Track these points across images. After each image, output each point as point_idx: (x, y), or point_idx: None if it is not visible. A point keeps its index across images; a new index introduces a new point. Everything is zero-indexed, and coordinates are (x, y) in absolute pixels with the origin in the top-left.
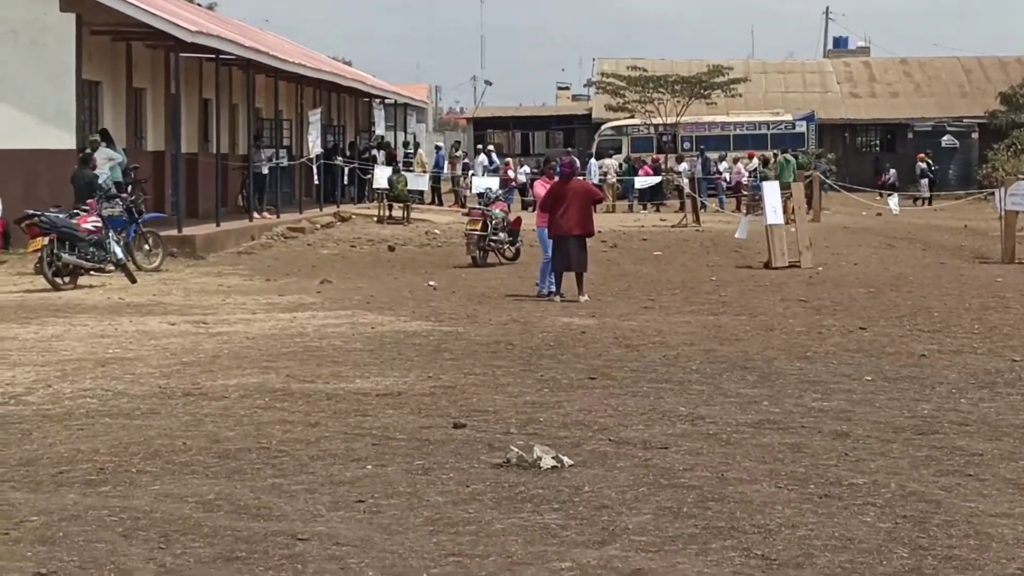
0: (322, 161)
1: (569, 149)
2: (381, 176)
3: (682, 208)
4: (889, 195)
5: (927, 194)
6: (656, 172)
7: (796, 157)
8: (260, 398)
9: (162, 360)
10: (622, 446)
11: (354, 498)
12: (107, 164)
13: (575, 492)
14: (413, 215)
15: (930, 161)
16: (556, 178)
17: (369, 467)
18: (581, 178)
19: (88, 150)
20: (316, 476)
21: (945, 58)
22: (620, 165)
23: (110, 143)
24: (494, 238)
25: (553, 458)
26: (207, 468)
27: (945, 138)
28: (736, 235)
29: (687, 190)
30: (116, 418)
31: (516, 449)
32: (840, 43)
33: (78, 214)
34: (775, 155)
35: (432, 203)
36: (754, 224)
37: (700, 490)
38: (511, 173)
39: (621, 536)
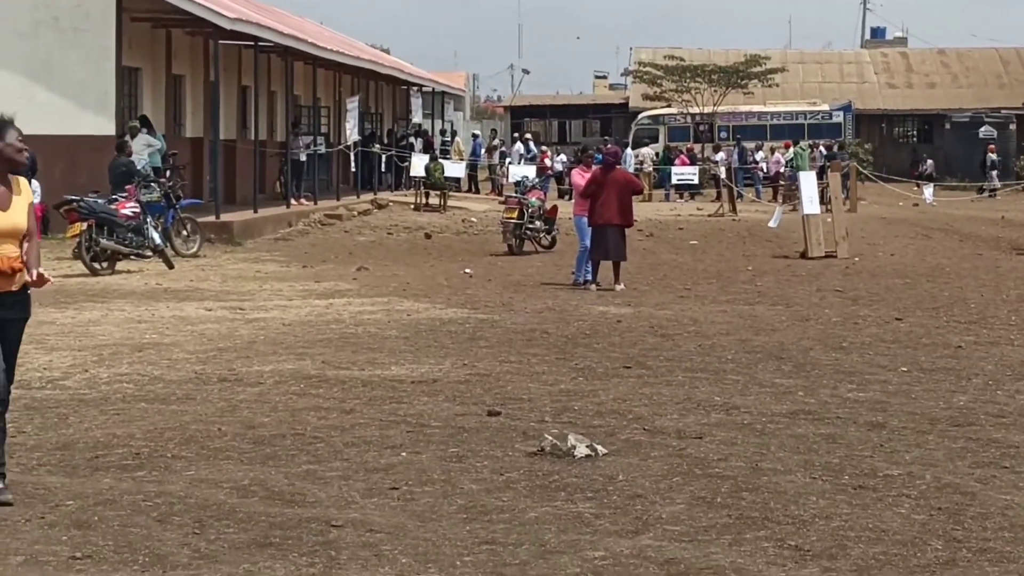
0: (360, 148)
1: (606, 138)
2: (418, 164)
3: (718, 197)
4: (925, 185)
5: (998, 185)
6: (692, 161)
7: (842, 146)
8: (295, 384)
9: (198, 346)
10: (656, 435)
11: (388, 485)
12: (146, 150)
13: (609, 481)
14: (450, 203)
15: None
16: (595, 167)
17: (403, 454)
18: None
19: (126, 136)
20: (350, 463)
21: (983, 49)
22: (656, 154)
23: (150, 130)
24: (530, 226)
25: (587, 447)
26: (242, 454)
27: (983, 129)
28: (769, 224)
29: (724, 180)
30: (152, 403)
31: (550, 437)
32: (877, 33)
33: (117, 200)
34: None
35: (469, 191)
36: (788, 214)
37: (734, 480)
38: (547, 162)
39: (655, 526)
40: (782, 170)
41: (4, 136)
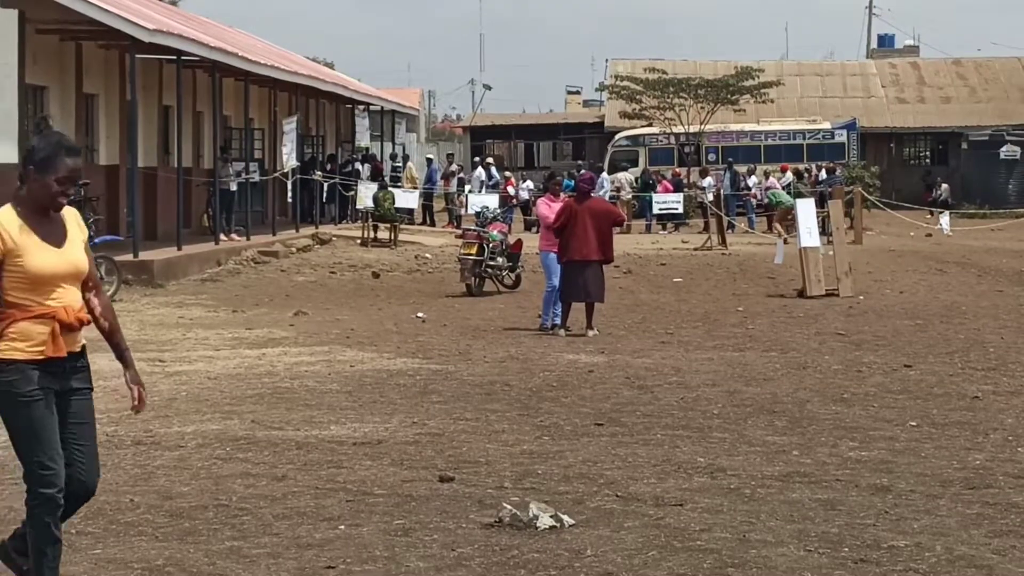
0: (298, 176)
1: (579, 162)
2: (365, 193)
3: (706, 229)
4: (940, 213)
5: None
6: (677, 188)
7: (833, 170)
8: (220, 447)
9: (110, 404)
10: (631, 503)
11: (323, 564)
12: None
13: (576, 556)
14: (401, 237)
15: None
16: (563, 196)
17: (342, 527)
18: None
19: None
20: (281, 538)
21: (1004, 58)
22: (636, 180)
23: None
24: (491, 263)
25: (551, 517)
26: (157, 529)
27: (1004, 148)
28: (776, 260)
29: (712, 208)
30: None
31: (510, 507)
32: (885, 42)
33: None
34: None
35: (423, 223)
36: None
37: (718, 554)
38: (512, 190)
39: None
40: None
41: (49, 169)
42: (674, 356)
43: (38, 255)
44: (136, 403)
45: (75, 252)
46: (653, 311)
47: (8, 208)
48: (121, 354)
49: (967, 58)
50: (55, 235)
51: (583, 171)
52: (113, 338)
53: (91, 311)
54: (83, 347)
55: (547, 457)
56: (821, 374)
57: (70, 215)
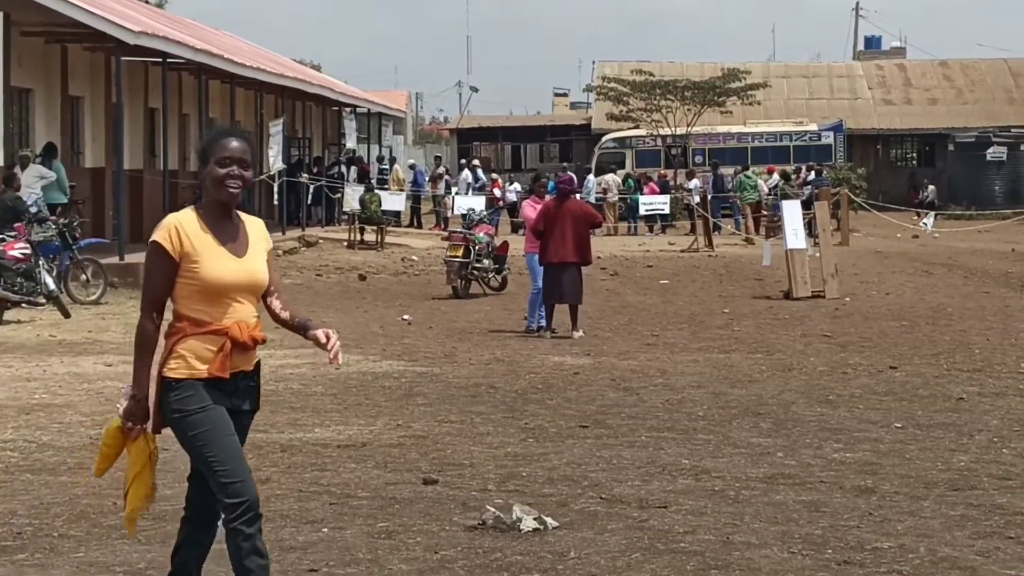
0: (284, 178)
1: (565, 164)
2: (352, 195)
3: (693, 230)
4: (925, 213)
5: None
6: (664, 190)
7: (820, 172)
8: None
9: (95, 407)
10: (615, 505)
11: (306, 566)
12: (38, 183)
13: (559, 559)
14: (388, 239)
15: None
16: (548, 197)
17: (325, 530)
18: (577, 197)
19: (16, 167)
20: (264, 541)
21: (990, 60)
22: (624, 181)
23: (53, 158)
24: (477, 265)
25: (535, 519)
26: (140, 532)
27: (991, 150)
28: (764, 263)
29: (698, 210)
30: (39, 474)
31: (493, 509)
32: (872, 43)
33: (4, 240)
34: (771, 170)
35: (410, 225)
36: (777, 248)
37: (702, 556)
38: (499, 192)
39: None
40: (763, 199)
41: (210, 155)
42: (660, 358)
43: (216, 262)
44: (331, 348)
45: (256, 263)
46: (639, 313)
47: (188, 209)
48: (304, 324)
49: (953, 59)
50: (236, 242)
51: (560, 173)
52: (295, 321)
53: (273, 311)
54: (257, 364)
55: (531, 459)
56: (807, 376)
57: (255, 225)
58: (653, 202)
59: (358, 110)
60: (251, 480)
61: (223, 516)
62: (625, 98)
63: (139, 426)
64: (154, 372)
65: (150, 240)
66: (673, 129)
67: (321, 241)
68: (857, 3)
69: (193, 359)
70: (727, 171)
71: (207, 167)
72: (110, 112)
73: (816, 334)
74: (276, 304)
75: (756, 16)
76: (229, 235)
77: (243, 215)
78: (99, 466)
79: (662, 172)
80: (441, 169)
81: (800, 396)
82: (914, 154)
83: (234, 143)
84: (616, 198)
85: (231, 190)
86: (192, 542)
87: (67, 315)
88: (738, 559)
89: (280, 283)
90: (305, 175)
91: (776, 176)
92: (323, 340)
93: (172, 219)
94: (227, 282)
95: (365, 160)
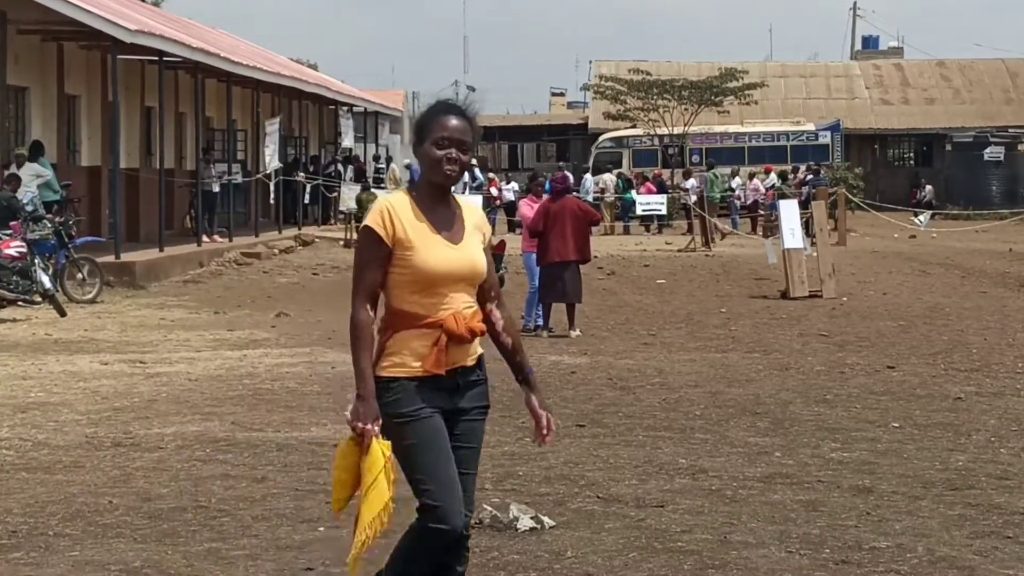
0: (281, 177)
1: (561, 164)
2: (348, 194)
3: (690, 230)
4: (919, 211)
5: None
6: (660, 189)
7: (817, 171)
8: (200, 449)
9: (91, 405)
10: (612, 504)
11: (303, 565)
12: (34, 181)
13: (556, 558)
14: None
15: None
16: (545, 196)
17: (321, 529)
18: (574, 195)
19: (12, 166)
20: (260, 540)
21: (988, 60)
22: (617, 180)
23: (40, 156)
24: None
25: (532, 518)
26: (135, 531)
27: (988, 150)
28: (769, 261)
29: (695, 210)
30: (34, 472)
31: (490, 508)
32: (869, 43)
33: (0, 239)
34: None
35: None
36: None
37: (699, 555)
38: (496, 191)
39: None
40: (760, 198)
41: (426, 134)
42: (657, 357)
43: (432, 250)
44: (545, 432)
45: (473, 250)
46: (636, 312)
47: (401, 192)
48: (525, 376)
49: (951, 60)
50: (451, 228)
51: (556, 172)
52: (515, 357)
53: (491, 326)
54: (479, 359)
55: (528, 458)
56: (804, 375)
57: (469, 210)
58: (650, 202)
59: (355, 109)
60: (459, 506)
61: (421, 540)
62: (622, 97)
63: (370, 427)
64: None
65: (362, 225)
66: (670, 129)
67: (317, 240)
68: (855, 3)
69: (407, 356)
70: (724, 171)
71: (423, 145)
72: (106, 110)
73: (813, 334)
74: (497, 317)
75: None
76: (445, 220)
77: (459, 198)
78: (337, 496)
79: (657, 172)
80: None
81: (797, 395)
82: (911, 154)
83: (454, 121)
84: (613, 197)
85: (448, 174)
86: (444, 570)
87: (63, 314)
88: (735, 558)
89: (497, 284)
90: (302, 174)
91: (773, 176)
92: (540, 419)
93: (384, 202)
94: (443, 272)
95: (362, 159)
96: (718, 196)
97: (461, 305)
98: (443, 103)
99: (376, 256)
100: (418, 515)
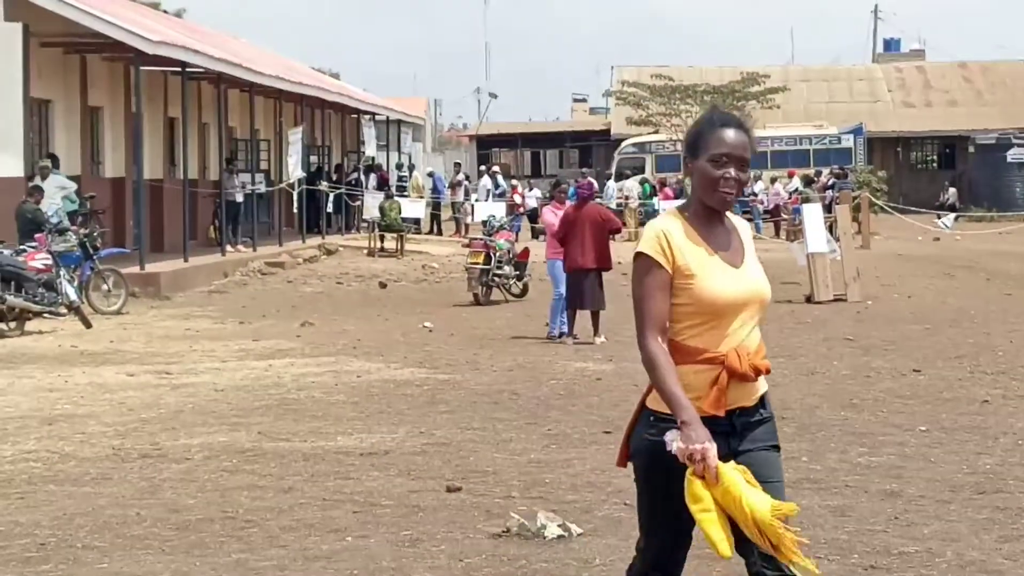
0: (304, 186)
1: (584, 170)
2: (371, 203)
3: None
4: (943, 215)
5: None
6: (680, 195)
7: (844, 175)
8: (227, 460)
9: (117, 417)
10: None
11: (331, 575)
12: (59, 193)
13: (584, 566)
14: (408, 247)
15: None
16: (569, 203)
17: (349, 539)
18: (598, 202)
19: (36, 178)
20: (288, 550)
21: (1010, 62)
22: (642, 186)
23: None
24: (498, 272)
25: (560, 526)
26: (163, 542)
27: (1011, 151)
28: (799, 264)
29: None
30: (62, 485)
31: (517, 516)
32: (891, 46)
33: (25, 251)
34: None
35: (430, 232)
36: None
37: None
38: (518, 198)
39: None
40: (783, 203)
41: (700, 149)
42: None
43: (713, 276)
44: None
45: (756, 273)
46: None
47: (671, 214)
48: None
49: (973, 62)
50: (730, 251)
51: (580, 178)
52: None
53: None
54: (762, 398)
55: (555, 466)
56: (830, 380)
57: (743, 227)
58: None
59: (377, 118)
60: (681, 557)
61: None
62: (644, 103)
63: (708, 446)
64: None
65: (636, 252)
66: None
67: (341, 249)
68: (876, 6)
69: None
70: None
71: (696, 161)
72: (130, 122)
73: (839, 338)
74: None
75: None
76: (722, 243)
77: (732, 217)
78: (718, 537)
79: (679, 177)
80: (460, 176)
81: (824, 400)
82: (934, 156)
83: (732, 135)
84: (637, 204)
85: (725, 196)
86: None
87: (88, 325)
88: None
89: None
90: (325, 183)
91: (796, 180)
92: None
93: (657, 226)
94: (726, 300)
95: (384, 167)
96: None
97: (744, 338)
98: (719, 114)
99: (658, 283)
100: (637, 553)
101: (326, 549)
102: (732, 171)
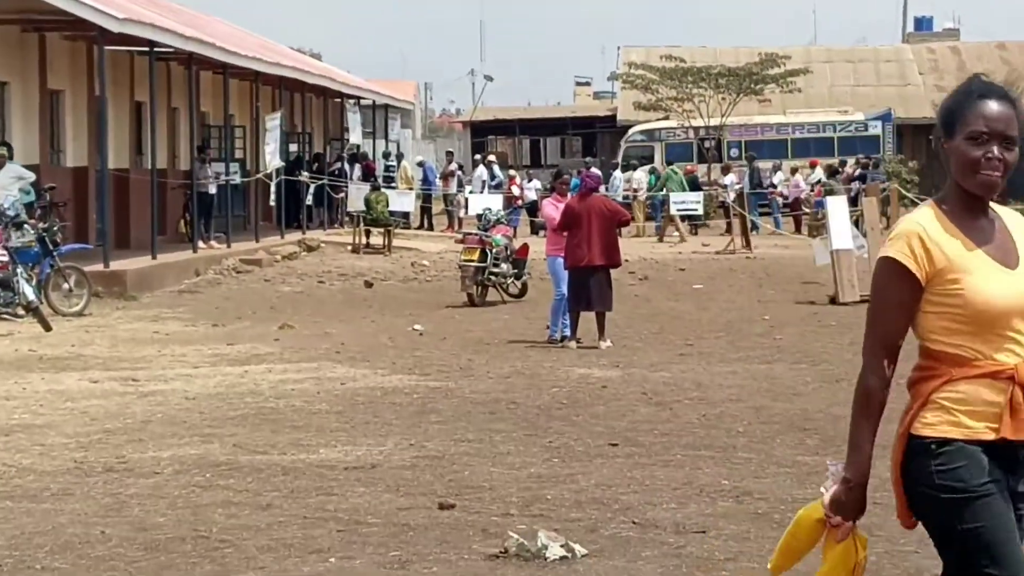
0: (283, 177)
1: (588, 160)
2: (356, 195)
3: (728, 230)
4: None
5: None
6: (691, 187)
7: (876, 165)
8: (199, 474)
9: (80, 427)
10: (649, 530)
11: None
12: (15, 184)
13: None
14: (396, 242)
15: None
16: (571, 195)
17: (332, 560)
18: (604, 194)
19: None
20: (266, 572)
21: None
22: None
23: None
24: (495, 270)
25: (562, 546)
26: (130, 563)
27: None
28: (817, 263)
29: (735, 208)
30: (19, 501)
31: (516, 536)
32: (923, 24)
33: None
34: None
35: (420, 227)
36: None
37: None
38: (516, 190)
39: None
40: (804, 195)
41: (955, 126)
42: (695, 369)
43: (984, 278)
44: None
45: None
46: (671, 320)
47: (928, 207)
48: None
49: (1012, 41)
50: (999, 247)
51: (587, 168)
52: None
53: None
54: None
55: (557, 481)
56: None
57: (1015, 219)
58: (685, 200)
59: (362, 102)
60: None
61: None
62: (653, 87)
63: (848, 523)
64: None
65: (880, 256)
66: (706, 120)
67: (323, 245)
68: None
69: (964, 414)
70: (765, 165)
71: (952, 141)
72: (93, 107)
73: None
74: None
75: None
76: (987, 238)
77: (997, 207)
78: (779, 562)
79: (689, 168)
80: (453, 166)
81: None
82: None
83: (994, 107)
84: (645, 196)
85: (988, 179)
86: None
87: (48, 328)
88: None
89: None
90: (305, 173)
91: (819, 170)
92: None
93: (910, 224)
94: (1002, 305)
95: (370, 156)
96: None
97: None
98: (979, 83)
99: (900, 296)
100: None
101: (307, 571)
102: (995, 149)
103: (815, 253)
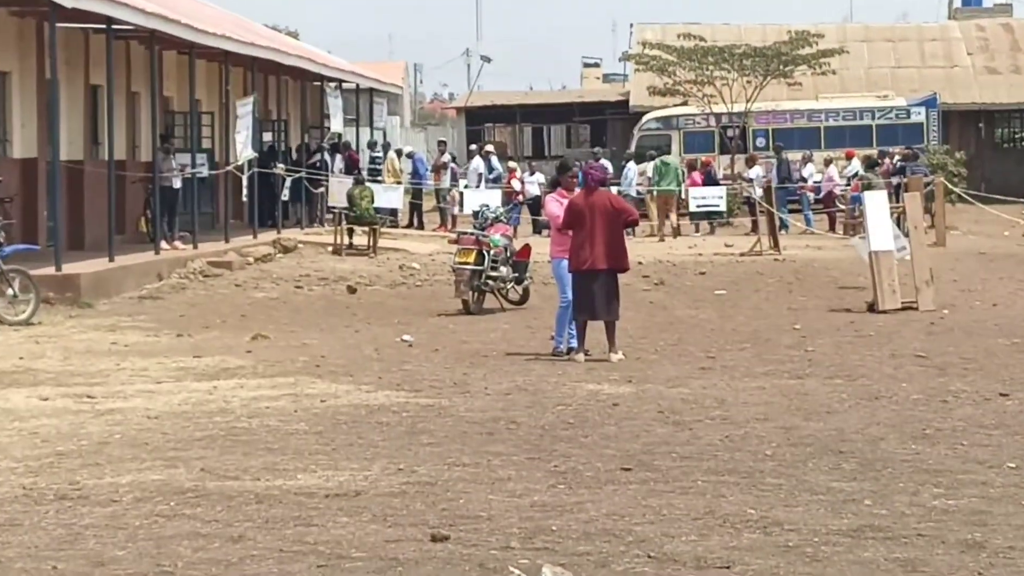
0: (256, 170)
1: (597, 150)
2: (338, 189)
3: (754, 229)
4: None
5: None
6: (710, 181)
7: (916, 156)
8: (163, 502)
9: (29, 450)
10: (666, 565)
11: None
12: None
13: None
14: (382, 243)
15: None
16: (578, 190)
17: None
18: (614, 190)
19: None
20: None
21: None
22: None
23: None
24: (493, 274)
25: None
26: None
27: None
28: (864, 258)
29: (762, 205)
30: None
31: (518, 571)
32: None
33: None
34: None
35: (409, 225)
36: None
37: None
38: (517, 184)
39: None
40: (838, 190)
41: None
42: (717, 385)
43: None
44: None
45: None
46: (691, 330)
47: None
48: None
49: None
50: None
51: (595, 159)
52: None
53: None
54: None
55: (563, 510)
56: (897, 405)
57: None
58: (705, 196)
59: (344, 86)
60: None
61: None
62: (670, 68)
63: None
64: None
65: None
66: (729, 106)
67: (301, 246)
68: None
69: None
70: (795, 156)
71: None
72: (43, 91)
73: (908, 354)
74: None
75: None
76: None
77: None
78: None
79: (706, 159)
80: (446, 157)
81: (890, 430)
82: None
83: None
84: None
85: None
86: None
87: None
88: None
89: None
90: (281, 165)
91: (856, 162)
92: None
93: None
94: None
95: (354, 147)
96: (673, 189)
97: None
98: None
99: None
100: None
101: None
102: None
103: (858, 251)
